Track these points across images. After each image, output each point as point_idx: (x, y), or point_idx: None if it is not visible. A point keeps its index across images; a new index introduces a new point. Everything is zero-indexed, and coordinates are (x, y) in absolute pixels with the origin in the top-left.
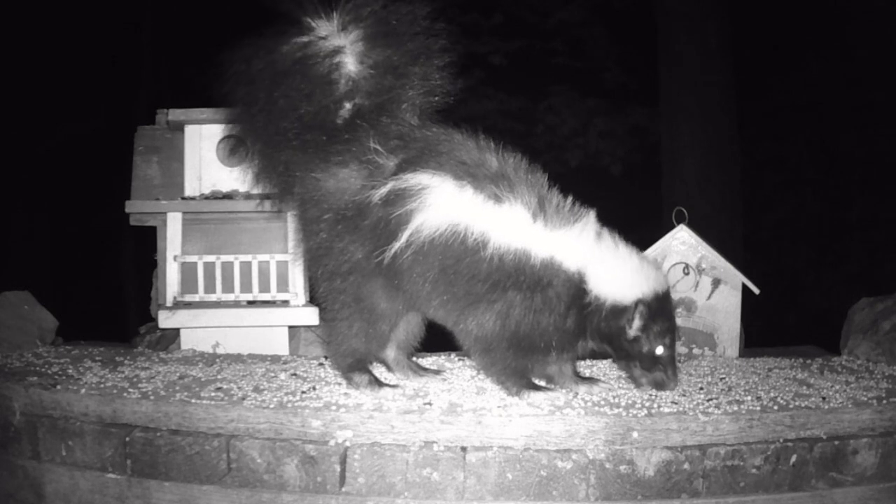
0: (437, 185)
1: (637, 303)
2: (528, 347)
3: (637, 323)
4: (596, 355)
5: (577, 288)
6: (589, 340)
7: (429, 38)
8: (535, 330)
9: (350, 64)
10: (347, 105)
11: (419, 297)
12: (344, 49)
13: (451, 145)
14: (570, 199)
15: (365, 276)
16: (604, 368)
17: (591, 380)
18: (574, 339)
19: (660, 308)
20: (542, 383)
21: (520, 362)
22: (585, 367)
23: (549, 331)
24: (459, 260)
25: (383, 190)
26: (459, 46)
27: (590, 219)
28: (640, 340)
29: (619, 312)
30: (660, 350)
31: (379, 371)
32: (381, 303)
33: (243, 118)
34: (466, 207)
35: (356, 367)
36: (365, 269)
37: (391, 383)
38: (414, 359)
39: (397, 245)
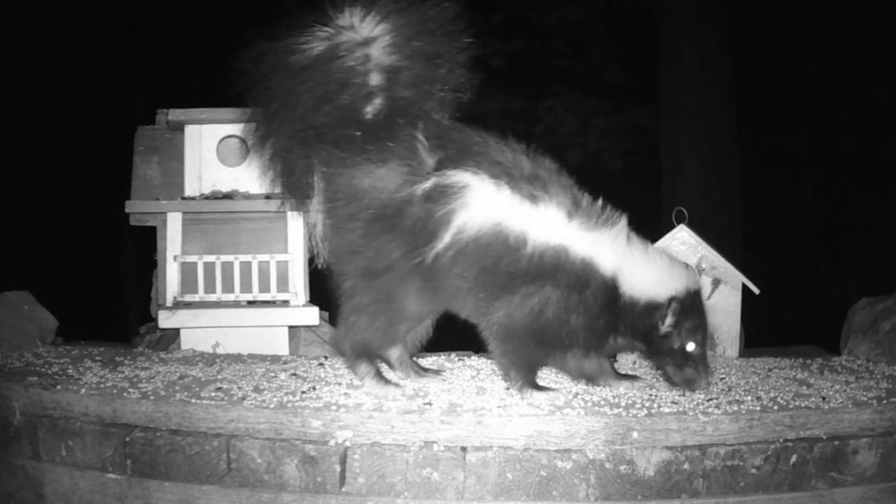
0: (478, 185)
1: (670, 300)
2: (551, 342)
3: (669, 319)
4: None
5: (610, 289)
6: (620, 338)
7: (457, 35)
8: (565, 327)
9: (380, 56)
10: (377, 100)
11: (456, 296)
12: (375, 40)
13: (485, 146)
14: (599, 200)
15: (400, 276)
16: (644, 367)
17: (630, 377)
18: (603, 338)
19: (692, 306)
20: (581, 381)
21: (536, 355)
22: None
23: (578, 329)
24: (500, 259)
25: (426, 185)
26: (486, 47)
27: (622, 221)
28: (671, 337)
29: (653, 310)
30: (691, 347)
31: (385, 370)
32: (411, 305)
33: (265, 115)
34: (507, 207)
35: (364, 357)
36: (400, 269)
37: (395, 381)
38: (415, 359)
39: (440, 245)
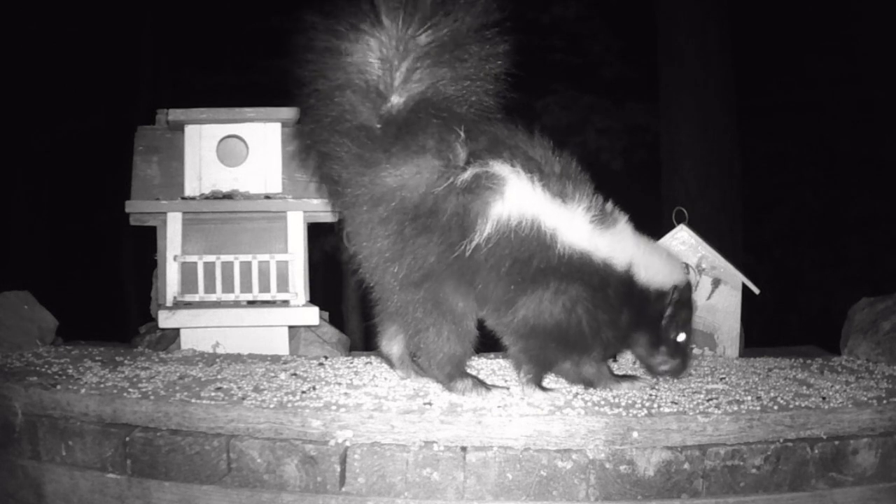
0: (515, 178)
1: (674, 287)
2: (574, 342)
3: (672, 307)
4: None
5: (627, 285)
6: (633, 332)
7: (490, 32)
8: (592, 326)
9: (409, 49)
10: (397, 97)
11: (487, 292)
12: (401, 30)
13: (516, 140)
14: (609, 200)
15: (438, 279)
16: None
17: (630, 377)
18: (622, 335)
19: (687, 297)
20: (580, 385)
21: (555, 354)
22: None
23: (603, 327)
24: (534, 254)
25: (465, 176)
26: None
27: (625, 219)
28: (669, 326)
29: (661, 297)
30: (681, 338)
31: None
32: (458, 302)
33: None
34: (541, 203)
35: (456, 374)
36: (437, 272)
37: (499, 384)
38: (416, 358)
39: (478, 237)
